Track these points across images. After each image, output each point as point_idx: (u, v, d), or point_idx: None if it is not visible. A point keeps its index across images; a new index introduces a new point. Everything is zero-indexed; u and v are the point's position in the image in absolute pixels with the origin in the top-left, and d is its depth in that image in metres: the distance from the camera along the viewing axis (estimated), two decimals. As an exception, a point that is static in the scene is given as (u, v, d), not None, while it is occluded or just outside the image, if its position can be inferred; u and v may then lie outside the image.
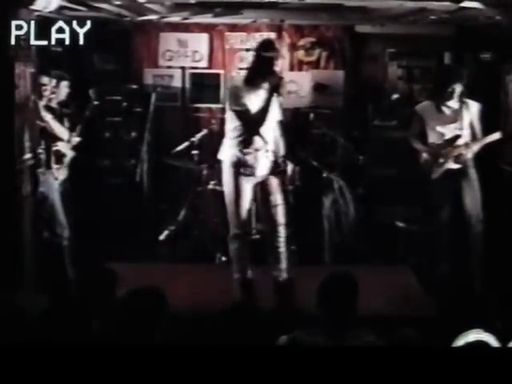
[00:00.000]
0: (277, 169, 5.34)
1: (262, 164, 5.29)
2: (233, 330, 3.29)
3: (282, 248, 5.40)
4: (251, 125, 5.18)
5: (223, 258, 6.56)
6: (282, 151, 5.38)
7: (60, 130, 5.93)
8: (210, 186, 6.80)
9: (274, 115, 5.29)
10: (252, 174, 5.27)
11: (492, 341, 3.20)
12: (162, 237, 6.87)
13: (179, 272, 6.18)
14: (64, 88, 6.08)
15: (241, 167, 5.24)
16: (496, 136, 5.95)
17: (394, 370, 2.59)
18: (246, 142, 5.22)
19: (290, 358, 2.71)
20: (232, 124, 5.28)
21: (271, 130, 5.28)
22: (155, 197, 7.25)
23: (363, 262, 6.48)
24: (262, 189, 5.37)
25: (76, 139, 6.14)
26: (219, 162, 5.48)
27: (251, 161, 5.25)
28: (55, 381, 2.56)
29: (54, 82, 5.94)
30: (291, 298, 5.35)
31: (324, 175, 6.92)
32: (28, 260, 5.36)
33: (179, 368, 2.59)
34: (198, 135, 7.13)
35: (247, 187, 5.29)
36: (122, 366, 2.57)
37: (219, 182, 6.74)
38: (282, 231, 5.39)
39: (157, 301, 3.47)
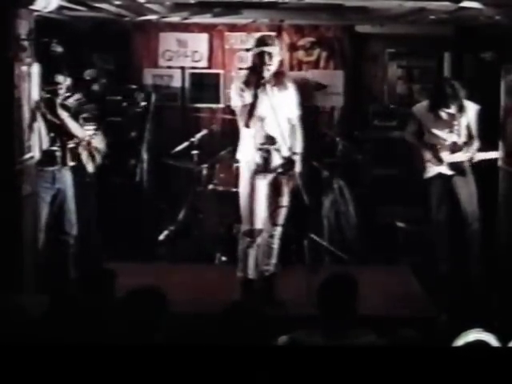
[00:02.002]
0: (288, 166, 5.35)
1: (276, 160, 5.31)
2: (233, 329, 3.29)
3: (276, 245, 5.49)
4: (250, 119, 5.20)
5: (223, 258, 6.57)
6: (294, 149, 5.39)
7: (75, 127, 5.96)
8: (210, 186, 6.80)
9: (285, 111, 5.30)
10: (267, 170, 5.30)
11: (492, 341, 3.19)
12: (161, 237, 6.87)
13: (179, 272, 6.19)
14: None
15: (257, 164, 5.29)
16: (494, 155, 5.99)
17: (394, 370, 2.59)
18: (259, 138, 5.24)
19: (290, 357, 2.71)
20: (239, 122, 5.31)
21: (283, 125, 5.28)
22: (155, 197, 7.25)
23: (363, 262, 6.48)
24: (273, 188, 5.39)
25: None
26: (237, 161, 5.54)
27: (266, 156, 5.28)
28: (55, 381, 2.56)
29: (68, 80, 5.98)
30: (275, 292, 5.45)
31: (324, 175, 6.92)
32: (28, 260, 5.35)
33: (179, 368, 2.59)
34: (198, 135, 7.13)
35: (262, 184, 5.32)
36: (121, 366, 2.57)
37: (219, 182, 6.77)
38: (278, 230, 5.47)
39: (157, 301, 3.47)
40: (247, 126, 5.22)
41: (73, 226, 6.00)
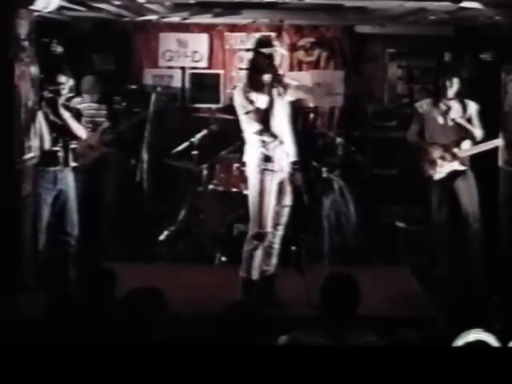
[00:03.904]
0: (294, 166, 5.35)
1: (284, 160, 5.31)
2: (233, 329, 3.29)
3: (277, 245, 5.47)
4: (266, 123, 5.21)
5: (223, 258, 6.56)
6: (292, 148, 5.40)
7: (77, 128, 5.96)
8: (210, 186, 6.79)
9: (285, 111, 5.31)
10: (279, 170, 5.29)
11: (492, 341, 3.19)
12: (161, 237, 6.87)
13: (179, 272, 6.19)
14: None
15: (267, 164, 5.26)
16: (498, 142, 5.97)
17: (394, 370, 2.59)
18: (266, 139, 5.24)
19: (290, 357, 2.71)
20: (249, 126, 5.30)
21: (286, 125, 5.30)
22: (155, 197, 7.25)
23: (363, 262, 6.48)
24: (279, 189, 5.38)
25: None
26: (244, 164, 5.53)
27: (276, 156, 5.27)
28: (55, 381, 2.56)
29: (71, 81, 5.99)
30: (274, 292, 5.43)
31: (324, 175, 6.92)
32: (28, 260, 5.36)
33: (179, 368, 2.59)
34: (198, 135, 7.13)
35: (273, 185, 5.30)
36: (121, 366, 2.57)
37: (219, 182, 6.77)
38: (280, 230, 5.46)
39: (156, 301, 3.47)
40: (267, 128, 5.19)
41: (74, 227, 6.00)
